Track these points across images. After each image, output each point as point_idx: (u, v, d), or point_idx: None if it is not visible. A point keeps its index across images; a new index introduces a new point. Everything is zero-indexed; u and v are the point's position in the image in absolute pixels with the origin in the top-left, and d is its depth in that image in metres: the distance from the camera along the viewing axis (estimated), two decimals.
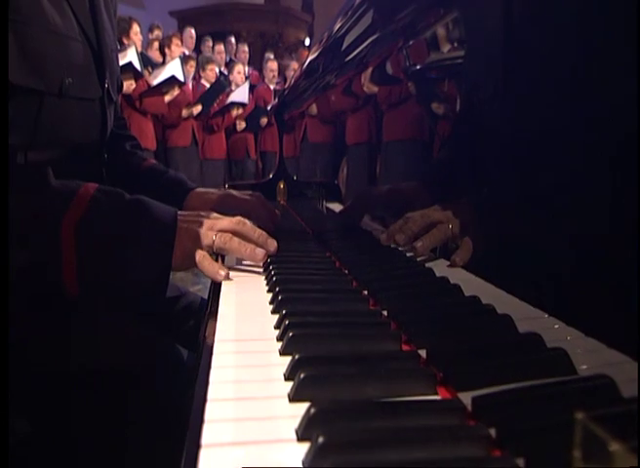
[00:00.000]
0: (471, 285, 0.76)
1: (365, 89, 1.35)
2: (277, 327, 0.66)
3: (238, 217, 0.97)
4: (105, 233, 0.85)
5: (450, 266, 0.90)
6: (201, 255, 0.90)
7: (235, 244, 0.92)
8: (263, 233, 0.97)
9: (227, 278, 0.90)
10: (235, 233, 0.93)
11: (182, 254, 0.89)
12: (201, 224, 0.92)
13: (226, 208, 1.22)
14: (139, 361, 0.93)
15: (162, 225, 0.88)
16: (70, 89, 0.98)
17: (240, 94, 6.73)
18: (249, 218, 1.01)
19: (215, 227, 0.93)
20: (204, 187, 1.33)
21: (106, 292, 0.87)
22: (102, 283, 0.85)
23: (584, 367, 0.50)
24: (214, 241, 0.91)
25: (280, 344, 0.59)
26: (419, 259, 0.91)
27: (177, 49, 6.51)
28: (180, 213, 0.93)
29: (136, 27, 5.92)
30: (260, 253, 0.93)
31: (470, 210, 0.83)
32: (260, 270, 0.95)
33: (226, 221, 0.95)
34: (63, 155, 0.98)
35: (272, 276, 0.85)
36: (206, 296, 0.95)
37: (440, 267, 0.86)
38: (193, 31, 7.98)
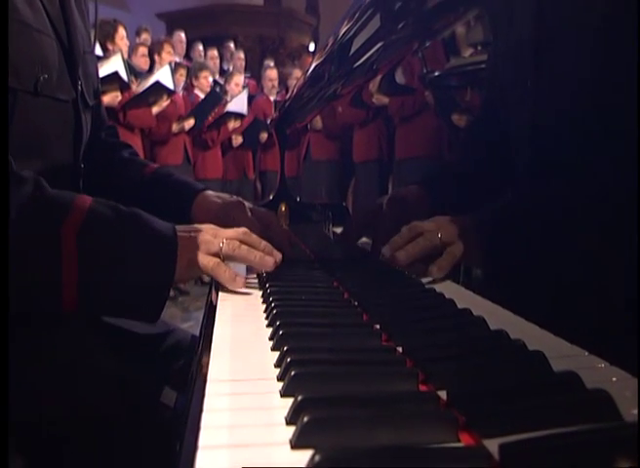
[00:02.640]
0: (498, 317, 0.75)
1: (374, 100, 1.35)
2: (278, 365, 0.65)
3: (243, 228, 1.04)
4: (107, 241, 0.92)
5: (430, 277, 0.92)
6: (215, 262, 0.98)
7: (244, 251, 1.00)
8: (268, 244, 1.05)
9: (244, 286, 1.00)
10: (241, 242, 1.01)
11: (187, 262, 0.96)
12: (205, 232, 1.00)
13: (232, 219, 1.24)
14: (122, 405, 0.93)
15: (162, 234, 0.95)
16: (45, 86, 1.03)
17: (238, 103, 6.73)
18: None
19: (220, 235, 1.00)
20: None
21: (106, 301, 0.93)
22: (104, 289, 0.91)
23: (634, 411, 0.49)
24: (221, 248, 0.99)
25: (281, 384, 0.59)
26: (436, 287, 0.91)
27: (168, 57, 6.51)
28: (178, 226, 0.99)
29: (122, 31, 5.92)
30: (270, 260, 1.02)
31: (484, 225, 0.83)
32: (260, 302, 0.95)
33: (231, 231, 1.02)
34: (37, 166, 1.00)
35: (273, 308, 0.85)
36: (197, 333, 0.95)
37: (462, 298, 0.86)
38: (183, 35, 8.05)
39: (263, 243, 1.05)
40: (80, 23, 1.19)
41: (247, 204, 1.34)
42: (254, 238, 1.04)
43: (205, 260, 0.97)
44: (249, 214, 1.29)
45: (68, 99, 1.13)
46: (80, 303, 0.90)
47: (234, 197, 1.35)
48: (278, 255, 1.04)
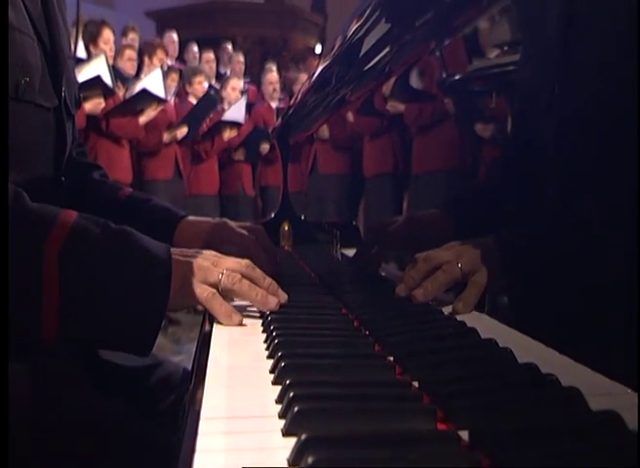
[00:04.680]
0: (527, 349, 0.75)
1: (389, 107, 1.36)
2: (279, 401, 0.65)
3: (247, 261, 1.03)
4: (92, 261, 0.92)
5: (453, 314, 0.92)
6: (210, 293, 0.97)
7: (245, 286, 0.99)
8: (274, 282, 1.03)
9: (240, 324, 0.98)
10: (243, 276, 1.00)
11: (181, 288, 0.95)
12: (204, 258, 1.00)
13: (220, 240, 1.26)
14: (105, 445, 0.93)
15: (155, 255, 0.95)
16: (27, 91, 1.04)
17: (235, 111, 6.73)
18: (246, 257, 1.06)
19: (220, 265, 1.00)
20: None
21: (90, 329, 0.92)
22: (88, 315, 0.90)
23: None
24: (220, 279, 0.98)
25: (283, 422, 0.59)
26: (459, 317, 0.91)
27: (158, 63, 6.48)
28: (173, 248, 0.99)
29: (107, 34, 5.91)
30: (274, 300, 1.00)
31: (509, 248, 0.83)
32: (259, 331, 0.95)
33: (233, 262, 1.02)
34: (16, 179, 1.01)
35: (274, 338, 0.85)
36: (190, 367, 0.95)
37: (486, 327, 0.85)
38: (175, 36, 8.09)
39: (268, 280, 1.03)
40: (62, 27, 1.22)
41: (231, 222, 1.37)
42: (257, 273, 1.03)
43: (200, 290, 0.97)
44: (240, 230, 1.33)
45: (50, 107, 1.14)
46: (61, 332, 0.89)
47: (217, 219, 1.38)
48: (283, 296, 1.03)
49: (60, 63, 1.16)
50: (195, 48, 8.41)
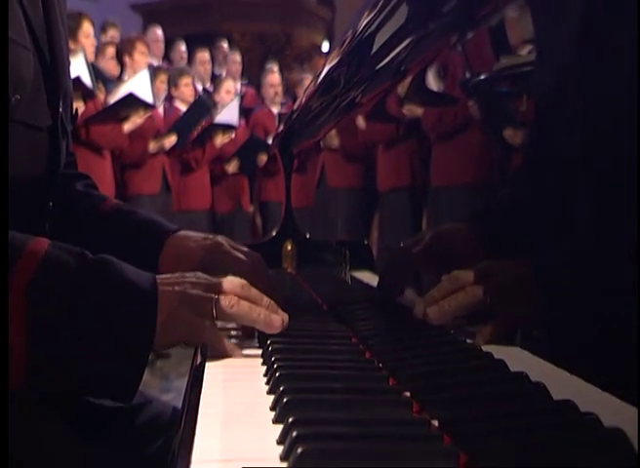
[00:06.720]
0: (564, 385, 0.75)
1: (405, 111, 1.36)
2: (281, 441, 0.65)
3: (240, 280, 1.02)
4: (65, 298, 0.89)
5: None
6: (206, 328, 0.96)
7: (245, 307, 0.98)
8: (273, 302, 1.02)
9: (241, 356, 0.98)
10: (239, 297, 0.98)
11: (170, 325, 0.93)
12: (193, 285, 0.97)
13: (213, 263, 1.26)
14: None
15: (138, 287, 0.93)
16: (18, 110, 1.03)
17: (227, 113, 6.72)
18: None
19: (212, 288, 0.98)
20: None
21: (64, 377, 0.89)
22: (60, 361, 0.88)
23: None
24: (214, 306, 0.96)
25: (285, 465, 0.59)
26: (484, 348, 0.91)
27: (141, 58, 6.53)
28: (159, 276, 0.97)
29: (87, 27, 5.94)
30: (278, 319, 0.99)
31: (548, 272, 0.83)
32: (259, 363, 0.96)
33: (227, 282, 1.00)
34: None
35: (275, 370, 0.85)
36: (180, 406, 0.95)
37: (516, 359, 0.85)
38: (160, 32, 8.07)
39: (266, 299, 1.02)
40: (62, 33, 1.21)
41: (226, 241, 1.35)
42: (254, 292, 1.02)
43: (194, 324, 0.95)
44: (236, 253, 1.31)
45: (44, 127, 1.14)
46: (30, 381, 0.87)
47: (210, 237, 1.36)
48: (285, 316, 1.02)
49: (59, 78, 1.16)
50: (183, 46, 8.42)
